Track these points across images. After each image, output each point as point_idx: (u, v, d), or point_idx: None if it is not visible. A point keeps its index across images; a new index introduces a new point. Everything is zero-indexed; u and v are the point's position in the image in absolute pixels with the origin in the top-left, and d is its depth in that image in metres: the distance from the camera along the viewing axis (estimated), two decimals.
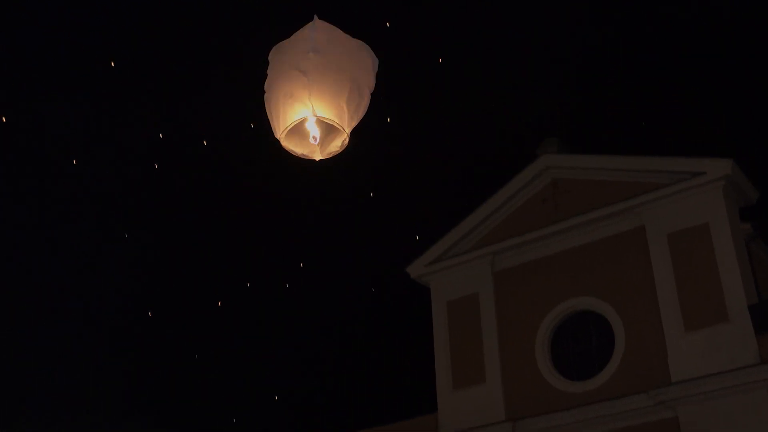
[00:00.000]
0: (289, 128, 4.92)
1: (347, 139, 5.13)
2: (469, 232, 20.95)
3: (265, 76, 5.07)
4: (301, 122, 4.99)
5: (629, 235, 19.19)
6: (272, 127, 5.00)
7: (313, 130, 5.01)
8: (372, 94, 5.21)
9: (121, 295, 27.84)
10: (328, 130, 5.11)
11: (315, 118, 4.92)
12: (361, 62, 5.17)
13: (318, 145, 5.13)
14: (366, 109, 5.15)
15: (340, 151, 5.16)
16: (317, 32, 4.91)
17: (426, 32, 20.63)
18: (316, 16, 4.98)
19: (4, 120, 18.34)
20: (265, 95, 5.00)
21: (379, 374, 27.24)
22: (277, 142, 5.06)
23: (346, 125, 5.02)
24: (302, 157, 5.10)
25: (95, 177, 25.77)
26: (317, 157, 5.15)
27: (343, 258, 26.04)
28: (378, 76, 5.23)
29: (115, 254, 26.73)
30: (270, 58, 5.01)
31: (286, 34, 5.10)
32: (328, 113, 4.90)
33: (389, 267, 22.82)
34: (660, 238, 18.60)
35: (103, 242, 27.08)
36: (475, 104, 23.42)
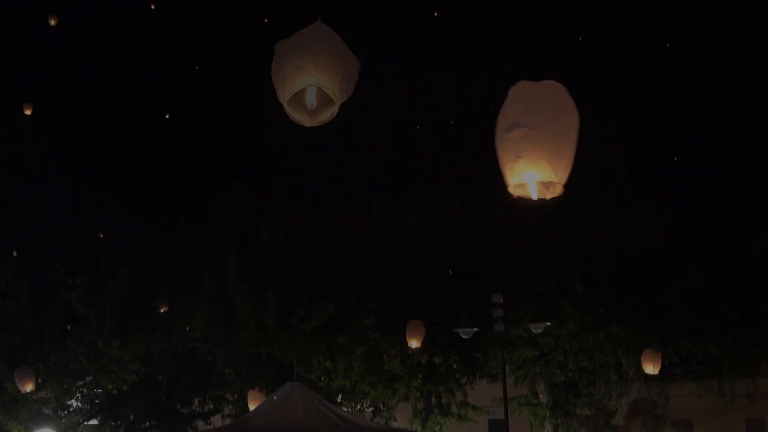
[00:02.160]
0: (293, 93, 6.26)
1: (336, 110, 6.47)
2: None
3: None
4: (302, 93, 6.35)
5: None
6: (278, 94, 6.34)
7: (311, 99, 6.37)
8: None
9: None
10: (321, 103, 6.45)
11: (316, 88, 6.29)
12: (352, 60, 6.64)
13: (312, 113, 6.47)
14: (350, 95, 6.55)
15: (329, 120, 6.49)
16: (323, 28, 6.45)
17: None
18: (320, 18, 6.51)
19: None
20: (273, 71, 6.41)
21: None
22: None
23: (338, 99, 6.40)
24: (297, 122, 6.43)
25: None
26: (308, 123, 6.47)
27: None
28: None
29: None
30: (277, 48, 6.48)
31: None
32: (327, 86, 6.28)
33: None
34: None
35: None
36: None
